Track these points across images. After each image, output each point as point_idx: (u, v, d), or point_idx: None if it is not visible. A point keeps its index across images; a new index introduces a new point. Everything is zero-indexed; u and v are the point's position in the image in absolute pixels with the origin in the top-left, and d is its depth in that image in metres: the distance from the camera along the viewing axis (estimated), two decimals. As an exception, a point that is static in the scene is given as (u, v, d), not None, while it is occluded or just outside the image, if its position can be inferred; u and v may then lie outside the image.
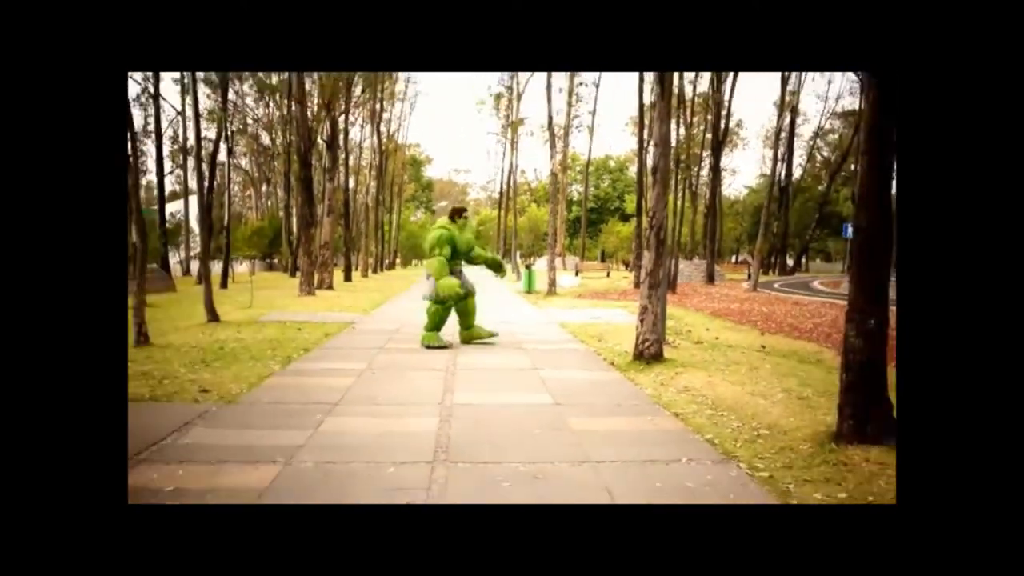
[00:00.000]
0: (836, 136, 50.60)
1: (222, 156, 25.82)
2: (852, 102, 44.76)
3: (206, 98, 31.02)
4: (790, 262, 49.63)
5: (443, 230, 8.25)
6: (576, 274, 34.22)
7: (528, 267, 23.60)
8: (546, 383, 6.10)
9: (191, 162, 29.45)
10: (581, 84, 41.56)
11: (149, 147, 29.59)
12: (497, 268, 9.23)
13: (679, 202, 30.02)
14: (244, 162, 50.23)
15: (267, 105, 35.85)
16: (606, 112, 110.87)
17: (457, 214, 8.56)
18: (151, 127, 27.44)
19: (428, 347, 8.22)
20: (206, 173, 22.50)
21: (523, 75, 38.18)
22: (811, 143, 51.05)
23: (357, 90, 28.30)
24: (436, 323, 8.39)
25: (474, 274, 9.07)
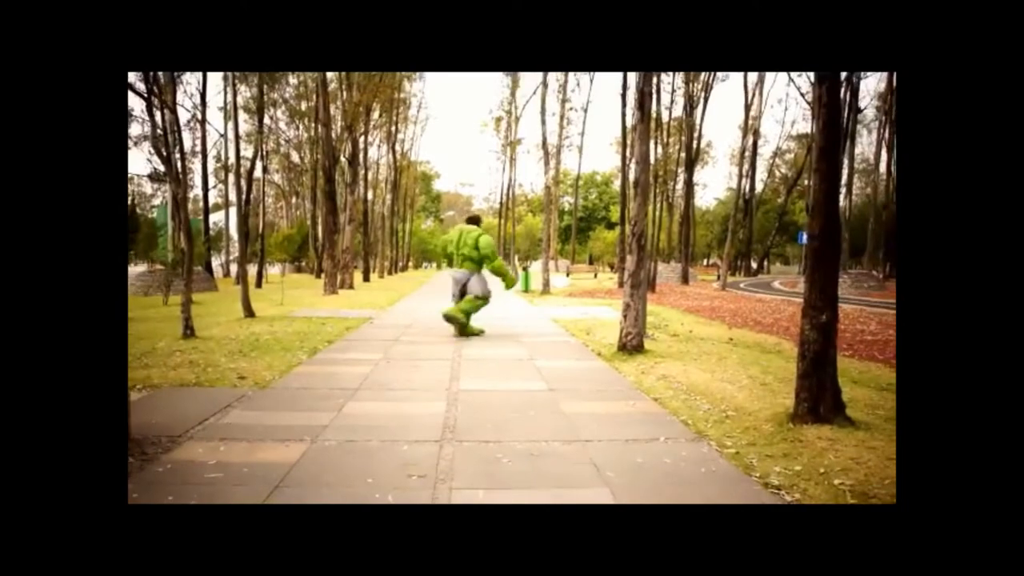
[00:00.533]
0: (792, 156, 50.52)
1: (258, 173, 25.76)
2: (805, 126, 44.70)
3: (244, 123, 30.98)
4: (754, 265, 49.52)
5: (489, 235, 8.48)
6: (567, 275, 34.18)
7: (525, 269, 23.58)
8: (541, 371, 6.09)
9: (231, 178, 29.41)
10: (572, 109, 41.46)
11: (196, 165, 29.51)
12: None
13: (657, 212, 30.03)
14: (277, 178, 49.97)
15: (297, 128, 35.79)
16: (593, 133, 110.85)
17: (478, 221, 8.82)
18: (198, 148, 27.40)
19: (454, 322, 8.31)
20: (244, 188, 22.45)
21: (520, 100, 38.18)
22: (771, 161, 51.10)
23: (375, 114, 28.27)
24: (471, 312, 8.43)
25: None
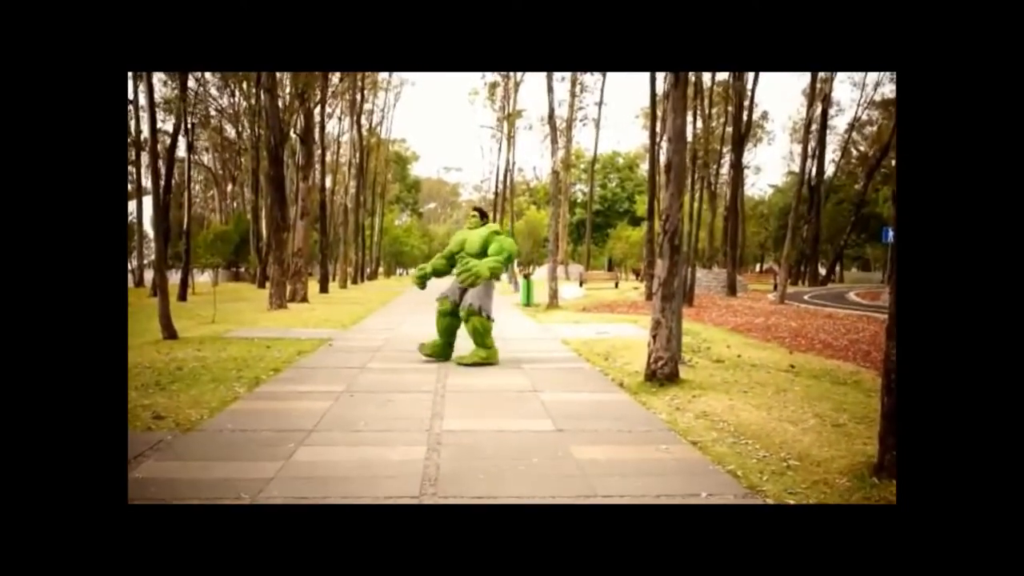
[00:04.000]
0: (874, 128, 50.63)
1: (181, 151, 25.86)
2: (893, 90, 44.72)
3: (162, 85, 31.03)
4: (822, 271, 49.74)
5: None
6: (580, 284, 34.26)
7: (526, 277, 23.58)
8: (547, 407, 6.10)
9: (145, 158, 29.43)
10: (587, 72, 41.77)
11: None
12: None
13: (696, 204, 30.13)
14: (206, 158, 50.30)
15: (232, 94, 35.86)
16: (614, 103, 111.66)
17: (484, 214, 9.18)
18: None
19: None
20: (162, 171, 22.53)
21: (521, 61, 38.44)
22: (846, 136, 51.21)
23: (335, 78, 28.37)
24: (488, 344, 8.67)
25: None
